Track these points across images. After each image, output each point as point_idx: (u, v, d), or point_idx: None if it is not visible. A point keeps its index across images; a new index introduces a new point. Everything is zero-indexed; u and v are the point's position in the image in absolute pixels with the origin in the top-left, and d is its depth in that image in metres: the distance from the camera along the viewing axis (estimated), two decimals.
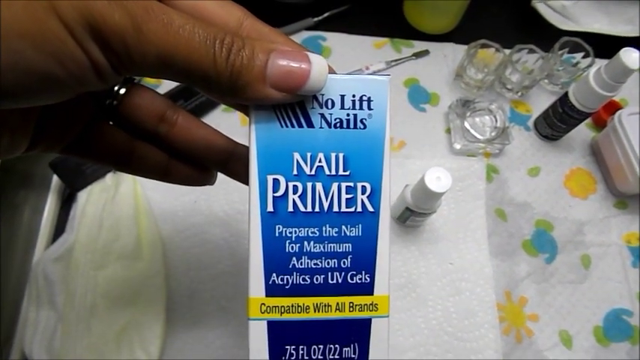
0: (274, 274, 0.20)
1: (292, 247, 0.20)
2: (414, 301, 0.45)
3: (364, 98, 0.20)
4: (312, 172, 0.20)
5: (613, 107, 0.54)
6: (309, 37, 0.56)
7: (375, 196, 0.20)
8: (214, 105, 0.51)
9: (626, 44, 0.43)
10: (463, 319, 0.44)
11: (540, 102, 0.55)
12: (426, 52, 0.57)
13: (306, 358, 0.20)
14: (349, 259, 0.20)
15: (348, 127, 0.20)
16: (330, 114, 0.20)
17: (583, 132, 0.55)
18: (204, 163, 0.24)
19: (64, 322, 0.38)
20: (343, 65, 0.55)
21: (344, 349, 0.20)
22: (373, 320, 0.20)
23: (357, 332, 0.20)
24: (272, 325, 0.20)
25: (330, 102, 0.20)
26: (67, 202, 0.45)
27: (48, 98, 0.16)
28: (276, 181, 0.20)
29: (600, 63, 0.45)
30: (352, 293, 0.20)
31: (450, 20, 0.57)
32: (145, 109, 0.22)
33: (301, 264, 0.20)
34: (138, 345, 0.38)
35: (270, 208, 0.20)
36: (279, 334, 0.20)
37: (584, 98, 0.46)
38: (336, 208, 0.20)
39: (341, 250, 0.20)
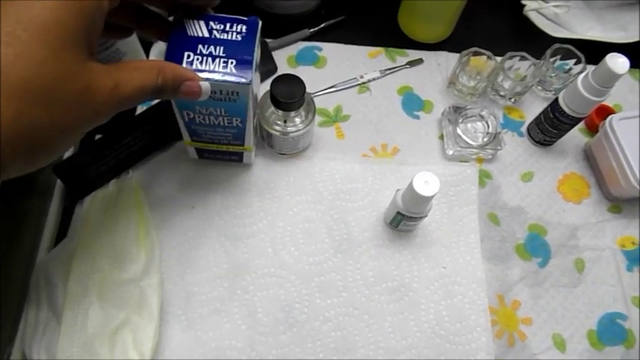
0: (194, 136, 0.44)
1: (202, 131, 0.43)
2: (407, 304, 0.45)
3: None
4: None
5: (605, 112, 0.54)
6: (305, 48, 0.58)
7: (242, 122, 0.41)
8: None
9: (618, 51, 0.43)
10: (455, 322, 0.45)
11: (533, 108, 0.56)
12: (419, 61, 0.58)
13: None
14: (231, 137, 0.43)
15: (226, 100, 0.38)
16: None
17: (576, 137, 0.55)
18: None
19: (63, 322, 0.39)
20: (339, 75, 0.56)
21: (232, 157, 0.48)
22: (245, 153, 0.47)
23: (238, 155, 0.47)
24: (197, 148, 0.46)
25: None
26: (69, 207, 0.47)
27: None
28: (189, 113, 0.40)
29: (592, 69, 0.46)
30: (234, 145, 0.45)
31: (443, 29, 0.59)
32: None
33: (207, 135, 0.43)
34: (131, 345, 0.39)
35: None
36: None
37: (574, 103, 0.47)
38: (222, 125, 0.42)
39: (227, 134, 0.43)
